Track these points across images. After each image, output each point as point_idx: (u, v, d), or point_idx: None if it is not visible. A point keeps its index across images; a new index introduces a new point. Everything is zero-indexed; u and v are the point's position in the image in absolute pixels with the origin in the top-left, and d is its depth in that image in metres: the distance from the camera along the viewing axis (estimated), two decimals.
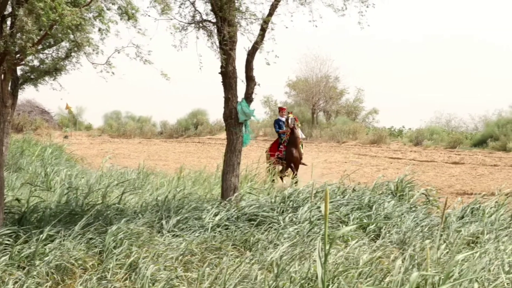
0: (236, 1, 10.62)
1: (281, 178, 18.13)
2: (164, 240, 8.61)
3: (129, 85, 74.98)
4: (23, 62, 9.32)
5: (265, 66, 10.84)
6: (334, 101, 48.55)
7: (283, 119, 18.60)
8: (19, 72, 9.83)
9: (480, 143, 33.43)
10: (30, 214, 9.51)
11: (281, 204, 10.91)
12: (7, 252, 7.76)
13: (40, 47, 9.02)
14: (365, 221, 10.33)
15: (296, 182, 16.17)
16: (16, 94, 9.70)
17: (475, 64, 73.12)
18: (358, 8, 10.71)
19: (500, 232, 9.63)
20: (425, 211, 11.41)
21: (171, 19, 10.22)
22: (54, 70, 9.83)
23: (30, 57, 9.16)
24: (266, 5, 10.83)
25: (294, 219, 9.95)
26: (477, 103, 68.74)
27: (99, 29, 9.14)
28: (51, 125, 48.42)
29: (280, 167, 18.40)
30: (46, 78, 10.00)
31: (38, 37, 8.62)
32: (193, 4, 10.77)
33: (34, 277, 7.25)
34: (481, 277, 6.86)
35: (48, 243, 8.01)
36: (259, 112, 48.65)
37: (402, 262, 7.29)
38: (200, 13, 10.80)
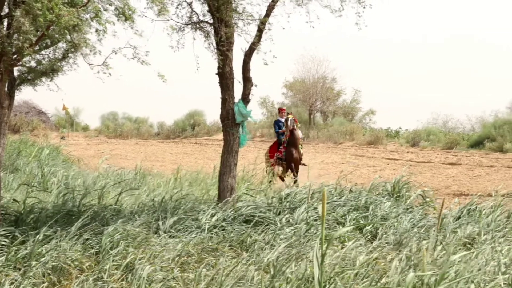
0: (233, 2, 10.62)
1: (282, 179, 18.10)
2: (160, 241, 8.60)
3: (126, 86, 74.96)
4: (20, 63, 9.32)
5: (262, 67, 10.85)
6: (331, 102, 48.57)
7: (283, 120, 18.58)
8: (16, 73, 9.85)
9: (477, 144, 33.47)
10: (27, 215, 9.50)
11: (278, 205, 10.91)
12: (4, 253, 7.75)
13: (37, 48, 9.04)
14: (361, 222, 10.33)
15: (295, 183, 16.17)
16: (13, 95, 9.72)
17: (474, 64, 73.16)
18: (355, 9, 10.73)
19: (497, 233, 9.64)
20: (421, 212, 11.42)
21: (168, 20, 10.22)
22: (51, 71, 9.84)
23: (27, 58, 9.17)
24: (263, 6, 10.85)
25: (291, 220, 9.94)
26: (478, 103, 68.86)
27: (96, 30, 9.15)
28: (48, 126, 48.34)
29: (281, 169, 18.39)
30: (43, 79, 10.02)
31: (35, 38, 8.62)
32: (190, 5, 10.77)
33: (30, 278, 7.24)
34: (476, 278, 6.86)
35: (45, 244, 8.00)
36: (256, 113, 48.68)
37: (399, 263, 7.30)
38: (197, 14, 10.81)
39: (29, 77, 9.78)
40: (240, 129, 11.18)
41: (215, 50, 10.73)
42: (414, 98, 65.55)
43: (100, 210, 9.99)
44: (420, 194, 12.75)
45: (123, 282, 7.40)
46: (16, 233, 8.41)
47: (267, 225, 9.73)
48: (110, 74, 9.43)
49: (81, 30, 8.76)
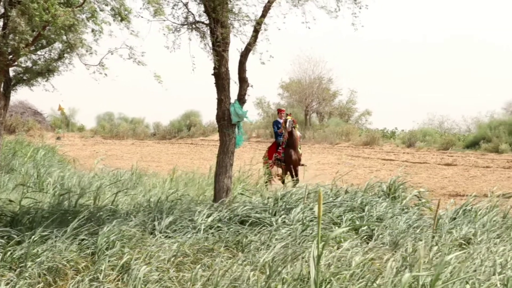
0: (229, 3, 10.62)
1: (282, 181, 18.07)
2: (156, 242, 8.60)
3: (122, 86, 74.87)
4: (16, 63, 9.31)
5: (258, 67, 10.86)
6: (327, 102, 48.60)
7: (282, 121, 18.53)
8: (11, 73, 9.82)
9: (473, 144, 33.51)
10: (23, 216, 9.49)
11: (274, 205, 10.91)
12: None
13: (32, 48, 9.02)
14: (357, 222, 10.34)
15: (295, 185, 16.16)
16: (9, 95, 9.70)
17: (474, 64, 73.18)
18: (352, 10, 10.73)
19: (492, 234, 9.66)
20: (417, 213, 11.43)
21: (164, 20, 10.22)
22: (46, 71, 9.83)
23: (22, 58, 9.16)
24: (259, 7, 10.85)
25: (286, 221, 9.95)
26: (477, 103, 68.86)
27: (92, 30, 9.15)
28: (44, 126, 48.28)
29: (280, 170, 18.38)
30: (39, 79, 10.00)
31: (31, 38, 8.62)
32: (186, 5, 10.76)
33: (26, 279, 7.23)
34: (472, 278, 6.88)
35: (41, 245, 8.00)
36: (252, 113, 48.62)
37: (394, 263, 7.30)
38: (193, 14, 10.81)
39: (24, 78, 9.77)
40: (236, 129, 11.18)
41: (211, 50, 10.73)
42: (412, 98, 65.58)
43: (96, 210, 9.98)
44: (416, 195, 12.77)
45: (119, 283, 7.39)
46: (11, 233, 8.40)
47: (263, 225, 9.73)
48: (106, 74, 9.44)
49: (77, 30, 8.76)
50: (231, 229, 9.47)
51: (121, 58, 9.46)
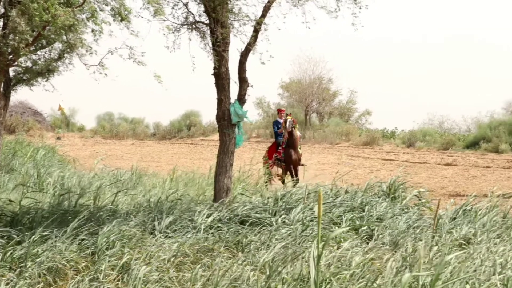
0: (229, 3, 10.61)
1: (282, 181, 18.06)
2: (156, 242, 8.60)
3: (122, 86, 74.84)
4: (16, 63, 9.31)
5: (258, 67, 10.86)
6: (327, 102, 48.61)
7: (282, 121, 18.51)
8: (11, 73, 9.83)
9: (473, 144, 33.52)
10: (23, 216, 9.49)
11: (274, 205, 10.91)
12: None
13: (32, 48, 9.02)
14: (357, 222, 10.33)
15: (295, 185, 16.17)
16: (9, 95, 9.70)
17: (474, 64, 73.14)
18: (351, 10, 10.72)
19: (492, 234, 9.66)
20: (417, 213, 11.43)
21: (164, 20, 10.21)
22: (46, 71, 9.83)
23: (22, 58, 9.16)
24: (259, 7, 10.84)
25: (286, 221, 9.95)
26: (477, 103, 68.84)
27: (92, 30, 9.15)
28: (44, 126, 48.28)
29: (279, 170, 18.38)
30: (39, 79, 10.00)
31: (31, 38, 8.62)
32: (186, 5, 10.76)
33: (26, 279, 7.23)
34: (472, 278, 6.87)
35: (41, 245, 8.00)
36: (252, 113, 48.61)
37: (394, 263, 7.30)
38: (193, 14, 10.80)
39: (24, 78, 9.77)
40: (236, 129, 11.18)
41: (211, 50, 10.73)
42: (412, 98, 65.56)
43: (96, 210, 9.98)
44: (416, 195, 12.77)
45: (119, 283, 7.39)
46: (12, 233, 8.40)
47: (263, 225, 9.73)
48: (106, 74, 9.44)
49: (77, 30, 8.76)
50: (231, 229, 9.47)
51: (121, 58, 9.47)
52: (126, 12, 9.05)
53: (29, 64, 9.76)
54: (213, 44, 10.65)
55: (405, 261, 7.55)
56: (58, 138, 42.64)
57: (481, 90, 66.04)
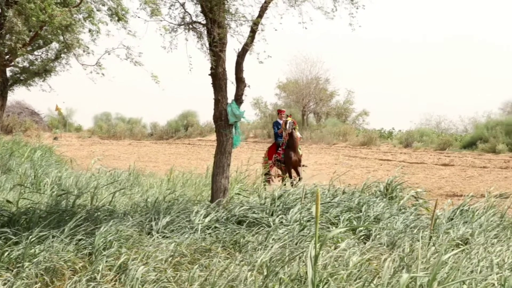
0: (225, 3, 10.61)
1: (282, 180, 18.06)
2: (153, 242, 8.60)
3: (119, 86, 74.91)
4: (13, 63, 9.30)
5: (255, 67, 10.85)
6: (324, 103, 48.67)
7: (282, 122, 18.49)
8: (8, 74, 9.82)
9: (470, 145, 33.57)
10: (20, 216, 9.48)
11: (271, 205, 10.91)
12: None
13: (29, 48, 9.01)
14: (355, 222, 10.34)
15: (293, 185, 16.17)
16: (6, 95, 9.69)
17: (474, 64, 73.20)
18: (348, 10, 10.72)
19: (489, 234, 9.67)
20: (415, 213, 11.44)
21: (161, 20, 10.20)
22: (43, 71, 9.83)
23: (19, 59, 9.15)
24: (256, 7, 10.84)
25: (284, 221, 9.95)
26: (475, 103, 68.90)
27: (89, 30, 9.14)
28: (41, 126, 48.28)
29: (279, 171, 18.39)
30: (36, 79, 10.00)
31: (28, 38, 8.61)
32: (183, 5, 10.75)
33: (23, 279, 7.22)
34: (469, 278, 6.88)
35: (38, 245, 7.99)
36: (249, 113, 48.65)
37: (392, 263, 7.30)
38: (190, 14, 10.79)
39: (22, 78, 9.77)
40: (233, 130, 11.17)
41: (208, 50, 10.72)
42: (409, 98, 65.63)
43: (93, 210, 9.97)
44: (413, 195, 12.78)
45: (116, 283, 7.39)
46: (9, 234, 8.39)
47: (260, 225, 9.73)
48: (103, 74, 9.44)
49: (74, 31, 8.76)
50: (229, 229, 9.47)
51: (118, 58, 9.46)
52: (123, 12, 9.05)
53: (26, 64, 9.77)
54: (210, 44, 10.65)
55: (403, 261, 7.55)
56: (55, 138, 42.62)
57: (480, 90, 66.19)
